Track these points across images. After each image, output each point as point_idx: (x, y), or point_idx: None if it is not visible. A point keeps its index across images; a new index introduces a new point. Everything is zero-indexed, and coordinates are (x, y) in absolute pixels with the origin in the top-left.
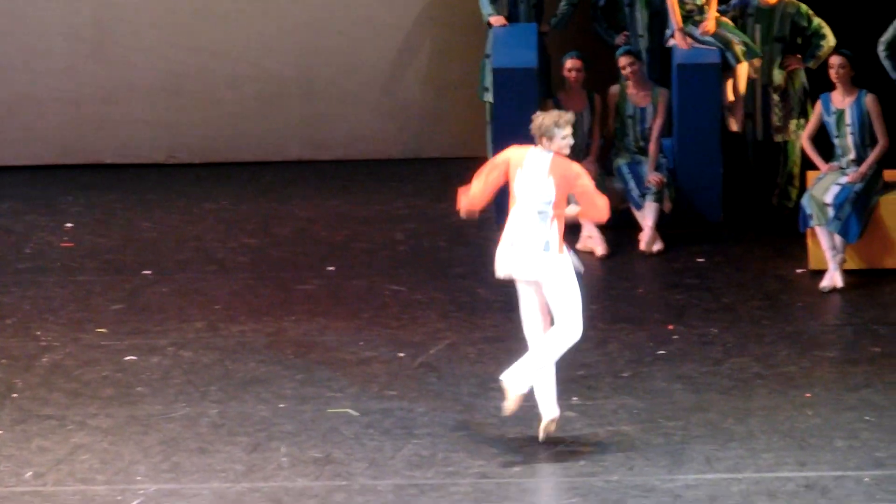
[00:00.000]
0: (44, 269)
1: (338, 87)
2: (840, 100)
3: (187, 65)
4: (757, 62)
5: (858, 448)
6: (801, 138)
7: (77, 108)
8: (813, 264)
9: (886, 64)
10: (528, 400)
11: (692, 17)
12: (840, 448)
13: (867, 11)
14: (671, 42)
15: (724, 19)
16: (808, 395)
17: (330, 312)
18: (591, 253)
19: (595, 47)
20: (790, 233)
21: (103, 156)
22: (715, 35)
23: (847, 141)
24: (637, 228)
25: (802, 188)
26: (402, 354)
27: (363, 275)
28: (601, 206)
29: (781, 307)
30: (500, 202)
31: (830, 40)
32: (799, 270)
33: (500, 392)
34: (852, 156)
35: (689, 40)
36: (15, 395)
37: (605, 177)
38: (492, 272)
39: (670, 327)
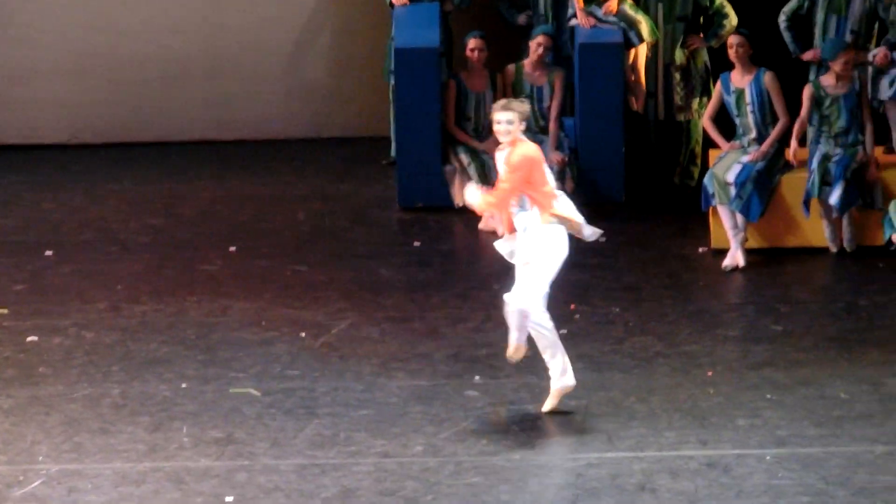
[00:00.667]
0: None
1: (241, 67)
2: (739, 79)
3: (91, 45)
4: (652, 40)
5: (760, 426)
6: (703, 118)
7: None
8: (715, 243)
9: (786, 35)
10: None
11: None
12: (742, 426)
13: None
14: (573, 22)
15: None
16: (709, 373)
17: (232, 293)
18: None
19: (497, 27)
20: (692, 212)
21: (6, 136)
22: (618, 14)
23: (748, 120)
24: None
25: (704, 167)
26: (304, 334)
27: (266, 255)
28: (481, 199)
29: (684, 286)
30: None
31: (733, 19)
32: (701, 249)
33: (402, 371)
34: (753, 134)
35: (592, 20)
36: None
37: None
38: (394, 252)
39: (572, 307)
